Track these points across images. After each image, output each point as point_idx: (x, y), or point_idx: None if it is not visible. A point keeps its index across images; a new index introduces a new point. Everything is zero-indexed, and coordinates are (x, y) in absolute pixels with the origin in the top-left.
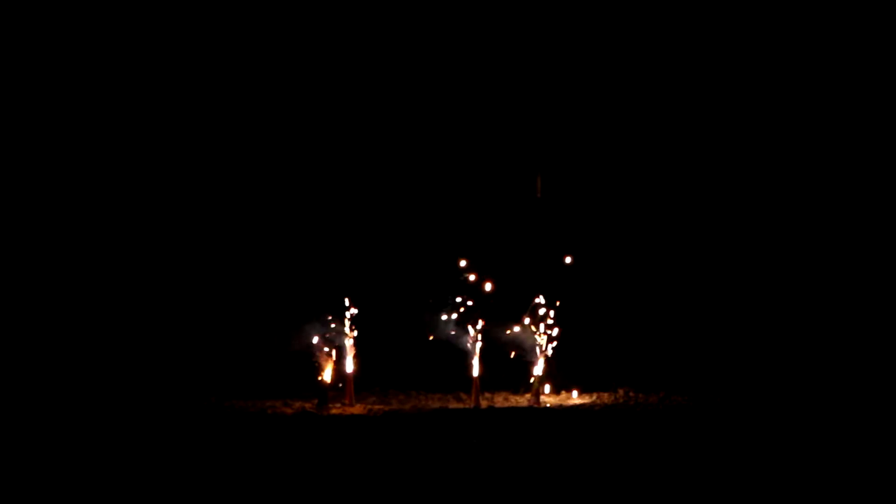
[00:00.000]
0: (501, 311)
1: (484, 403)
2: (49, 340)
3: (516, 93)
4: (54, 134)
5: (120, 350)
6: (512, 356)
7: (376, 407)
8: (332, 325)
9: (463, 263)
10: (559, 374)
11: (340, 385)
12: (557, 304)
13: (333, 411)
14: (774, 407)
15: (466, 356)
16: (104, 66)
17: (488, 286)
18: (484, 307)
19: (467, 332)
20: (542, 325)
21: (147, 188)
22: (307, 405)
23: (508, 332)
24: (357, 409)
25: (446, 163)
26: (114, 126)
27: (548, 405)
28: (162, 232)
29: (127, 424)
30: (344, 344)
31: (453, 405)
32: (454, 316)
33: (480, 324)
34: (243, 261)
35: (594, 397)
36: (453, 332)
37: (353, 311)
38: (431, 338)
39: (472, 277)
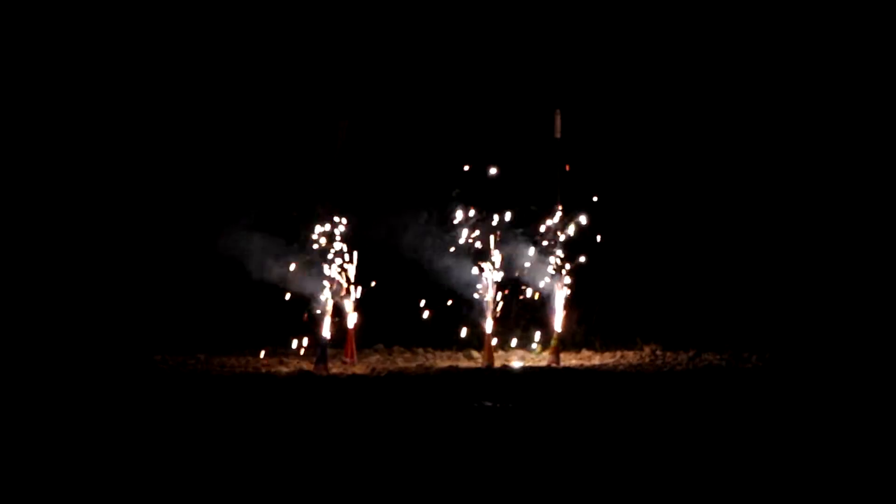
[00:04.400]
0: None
1: (497, 363)
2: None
3: (535, 26)
4: None
5: (97, 302)
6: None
7: (380, 366)
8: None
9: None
10: (581, 331)
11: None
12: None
13: (333, 371)
14: (818, 368)
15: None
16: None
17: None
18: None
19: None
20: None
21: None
22: (305, 364)
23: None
24: (359, 368)
25: (463, 100)
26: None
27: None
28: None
29: (108, 384)
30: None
31: (464, 364)
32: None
33: (493, 274)
34: (235, 206)
35: (618, 356)
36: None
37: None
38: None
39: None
